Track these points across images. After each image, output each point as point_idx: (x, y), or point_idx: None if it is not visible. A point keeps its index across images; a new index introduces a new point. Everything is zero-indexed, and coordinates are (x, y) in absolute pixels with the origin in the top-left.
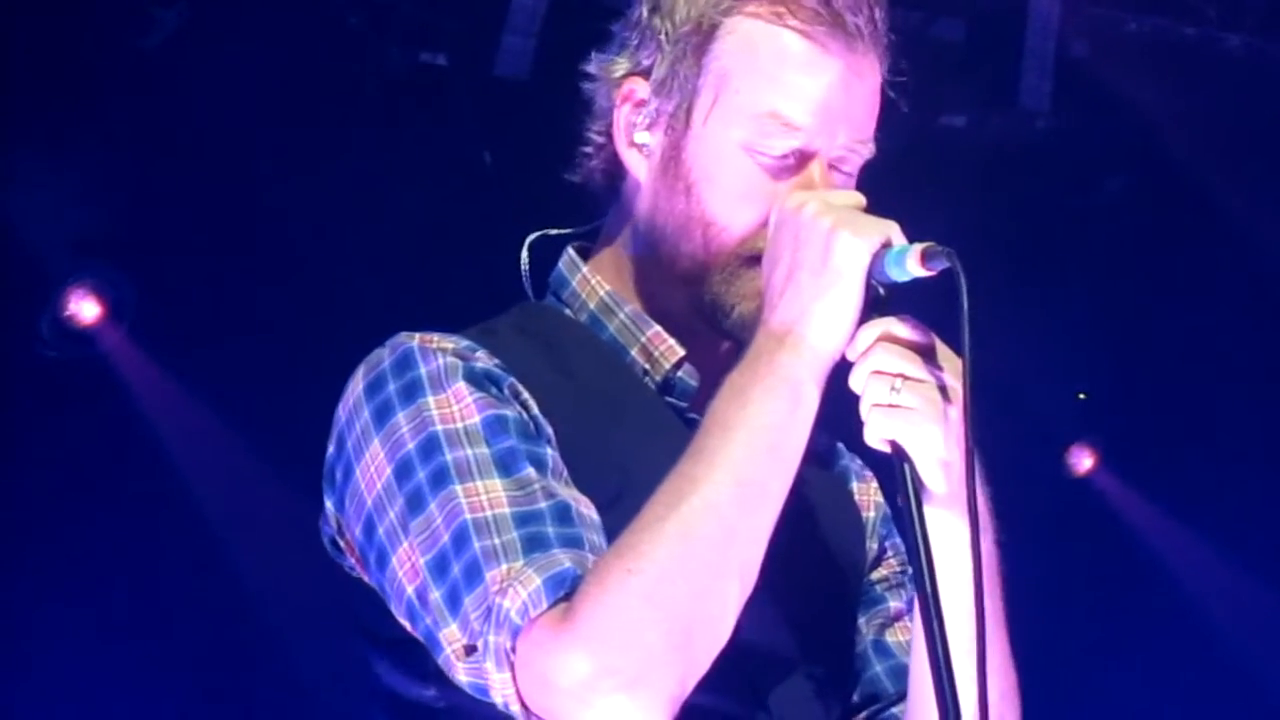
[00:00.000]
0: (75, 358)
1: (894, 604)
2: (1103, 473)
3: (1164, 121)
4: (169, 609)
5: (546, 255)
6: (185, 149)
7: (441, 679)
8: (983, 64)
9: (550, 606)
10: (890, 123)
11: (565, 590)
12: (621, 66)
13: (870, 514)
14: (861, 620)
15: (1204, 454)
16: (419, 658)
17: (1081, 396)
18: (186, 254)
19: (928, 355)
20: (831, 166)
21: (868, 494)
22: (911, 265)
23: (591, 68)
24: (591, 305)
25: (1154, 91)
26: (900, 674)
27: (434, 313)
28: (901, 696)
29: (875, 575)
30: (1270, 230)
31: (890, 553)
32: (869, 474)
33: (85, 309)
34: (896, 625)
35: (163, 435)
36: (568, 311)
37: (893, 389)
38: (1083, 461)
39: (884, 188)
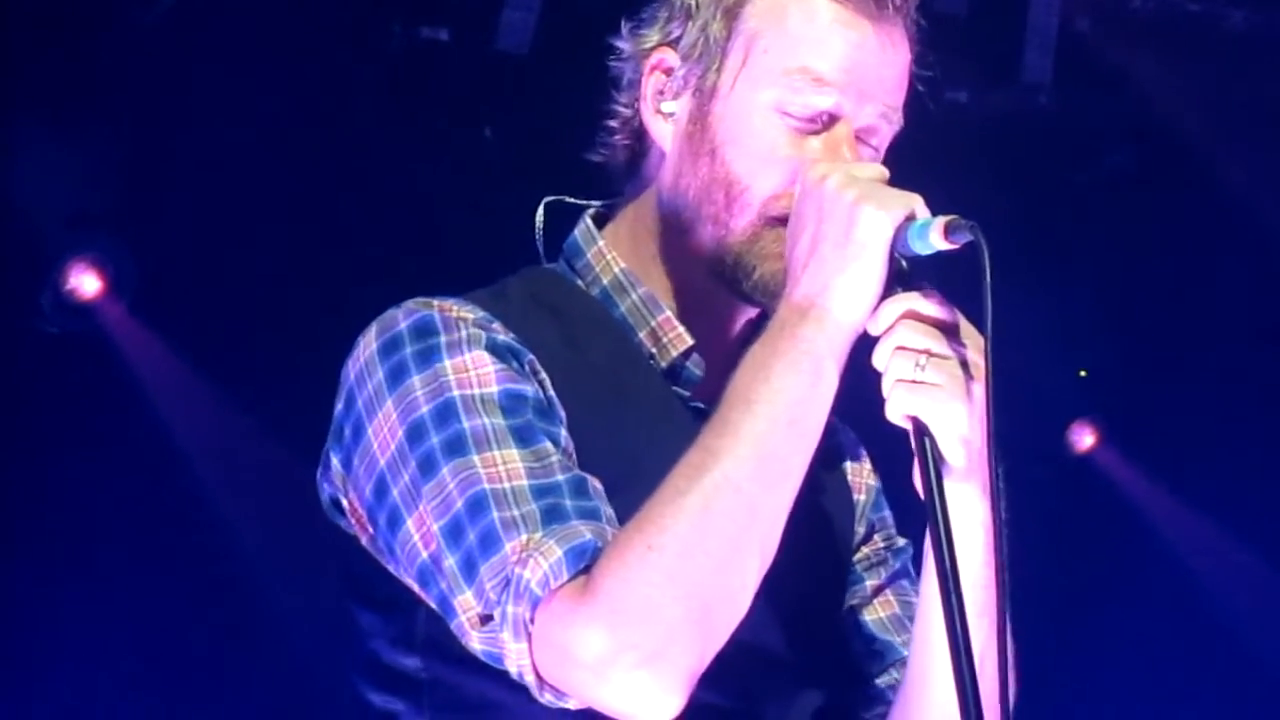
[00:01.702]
0: (76, 332)
1: (871, 581)
2: (1104, 450)
3: (1166, 97)
4: (169, 582)
5: (558, 220)
6: (185, 123)
7: (428, 649)
8: (985, 39)
9: (570, 578)
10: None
11: (586, 562)
12: (651, 39)
13: (861, 497)
14: (844, 600)
15: (1205, 431)
16: (408, 625)
17: (1083, 374)
18: (187, 228)
19: (951, 331)
20: (859, 139)
21: (860, 475)
22: (935, 238)
23: (622, 43)
24: (605, 280)
25: (1156, 67)
26: (881, 650)
27: (434, 288)
28: (882, 671)
29: (858, 555)
30: (1272, 205)
31: (876, 529)
32: (863, 453)
33: (86, 283)
34: (875, 601)
35: (164, 409)
36: (580, 282)
37: (917, 365)
38: (1084, 439)
39: (885, 162)
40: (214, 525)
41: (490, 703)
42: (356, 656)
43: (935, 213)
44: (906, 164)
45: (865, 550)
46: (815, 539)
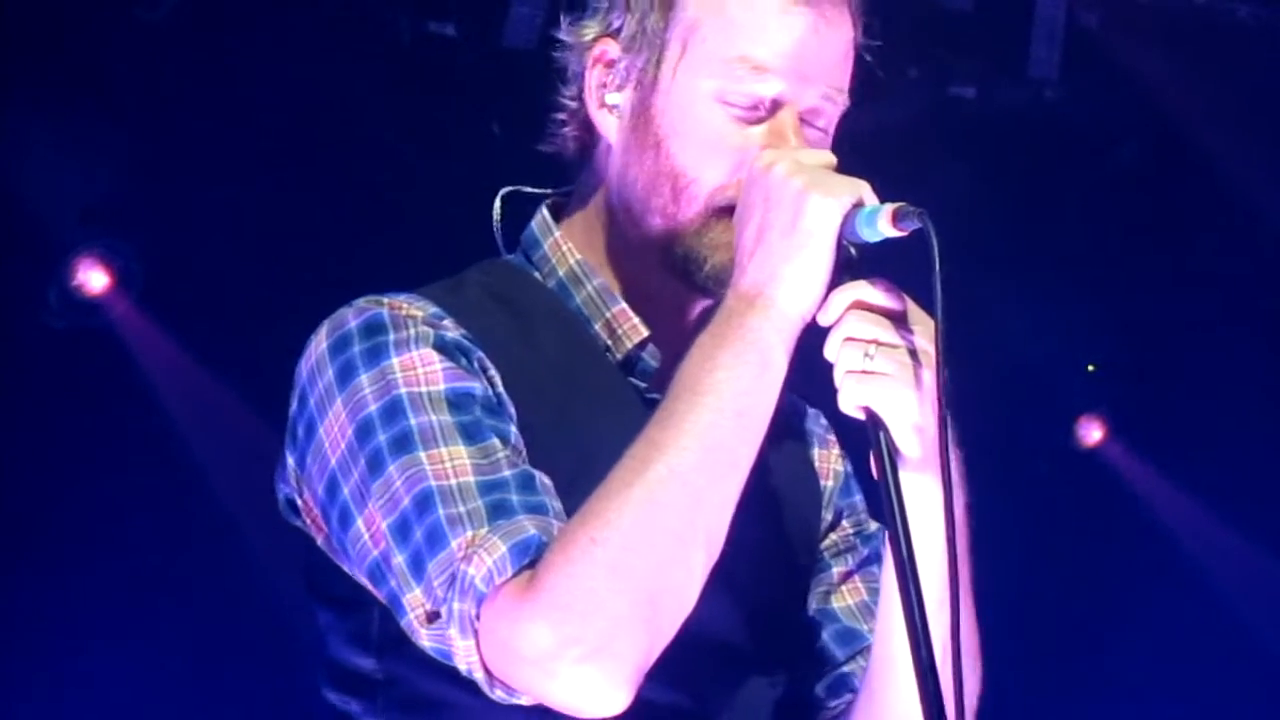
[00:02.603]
0: (83, 327)
1: (839, 568)
2: (1112, 444)
3: (1174, 92)
4: (176, 576)
5: (519, 211)
6: (191, 118)
7: (382, 650)
8: (992, 34)
9: (515, 574)
10: (900, 93)
11: (530, 558)
12: (592, 30)
13: (829, 483)
14: (809, 589)
15: (1213, 426)
16: (363, 624)
17: (1091, 368)
18: (194, 223)
19: (900, 319)
20: (805, 121)
21: (828, 461)
22: (883, 225)
23: (563, 34)
24: (561, 272)
25: (1163, 61)
26: (847, 637)
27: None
28: (850, 658)
29: (825, 542)
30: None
31: (845, 515)
32: (832, 439)
33: (93, 279)
34: (843, 588)
35: (171, 404)
36: (537, 274)
37: (866, 355)
38: (1092, 433)
39: (893, 158)
40: (221, 519)
41: (445, 702)
42: (318, 656)
43: (932, 209)
44: (913, 158)
45: (834, 537)
46: (780, 526)
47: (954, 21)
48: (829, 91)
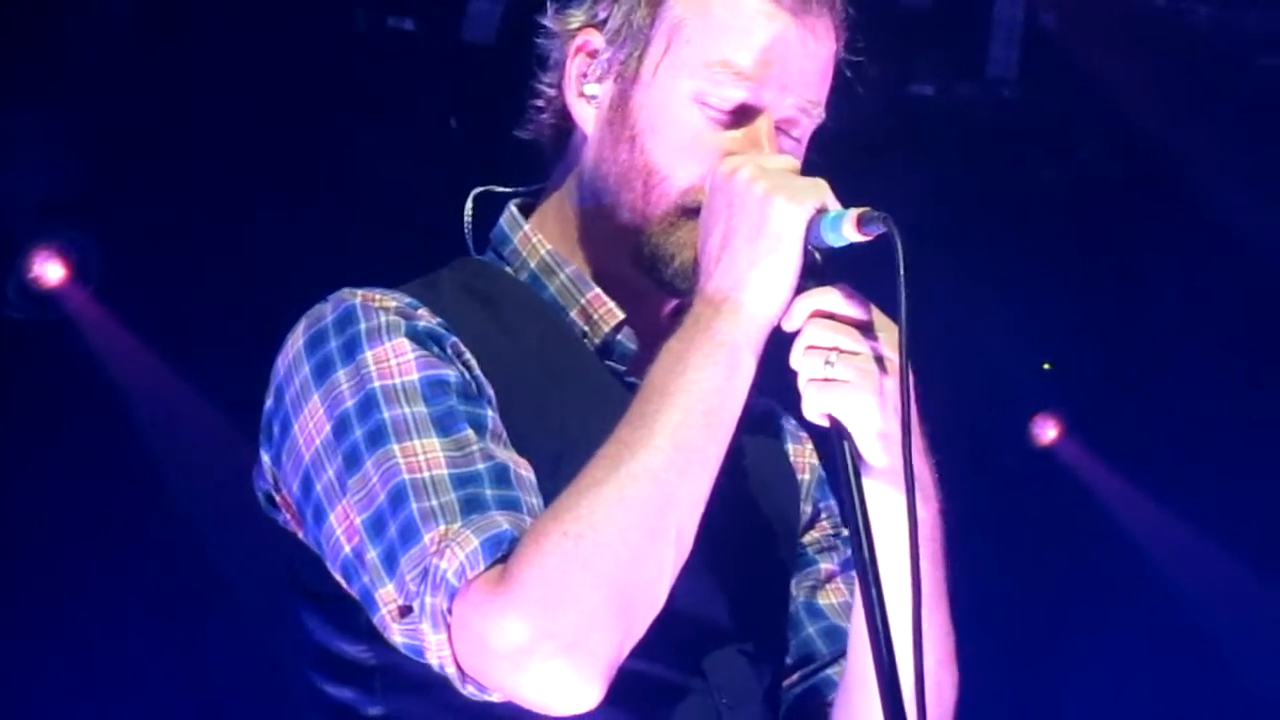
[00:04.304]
0: (40, 319)
1: (825, 565)
2: (1067, 443)
3: (1132, 92)
4: (133, 570)
5: (489, 211)
6: (150, 111)
7: (373, 636)
8: (951, 33)
9: (487, 568)
10: (858, 91)
11: (502, 552)
12: (577, 19)
13: (805, 477)
14: (793, 583)
15: (1170, 425)
16: (351, 614)
17: (1047, 367)
18: (152, 215)
19: (863, 326)
20: (780, 130)
21: (803, 456)
22: (848, 230)
23: (548, 21)
24: (532, 264)
25: (1122, 61)
26: (833, 635)
27: (399, 277)
28: (835, 657)
29: (808, 538)
30: (1239, 199)
31: (824, 515)
32: (804, 436)
33: (50, 271)
34: (828, 587)
35: (128, 396)
36: (508, 269)
37: (826, 363)
38: (1047, 432)
39: (852, 156)
40: (179, 512)
41: (438, 683)
42: (305, 649)
43: (891, 208)
44: (871, 156)
45: (814, 534)
46: (760, 518)
47: (912, 20)
48: (805, 104)
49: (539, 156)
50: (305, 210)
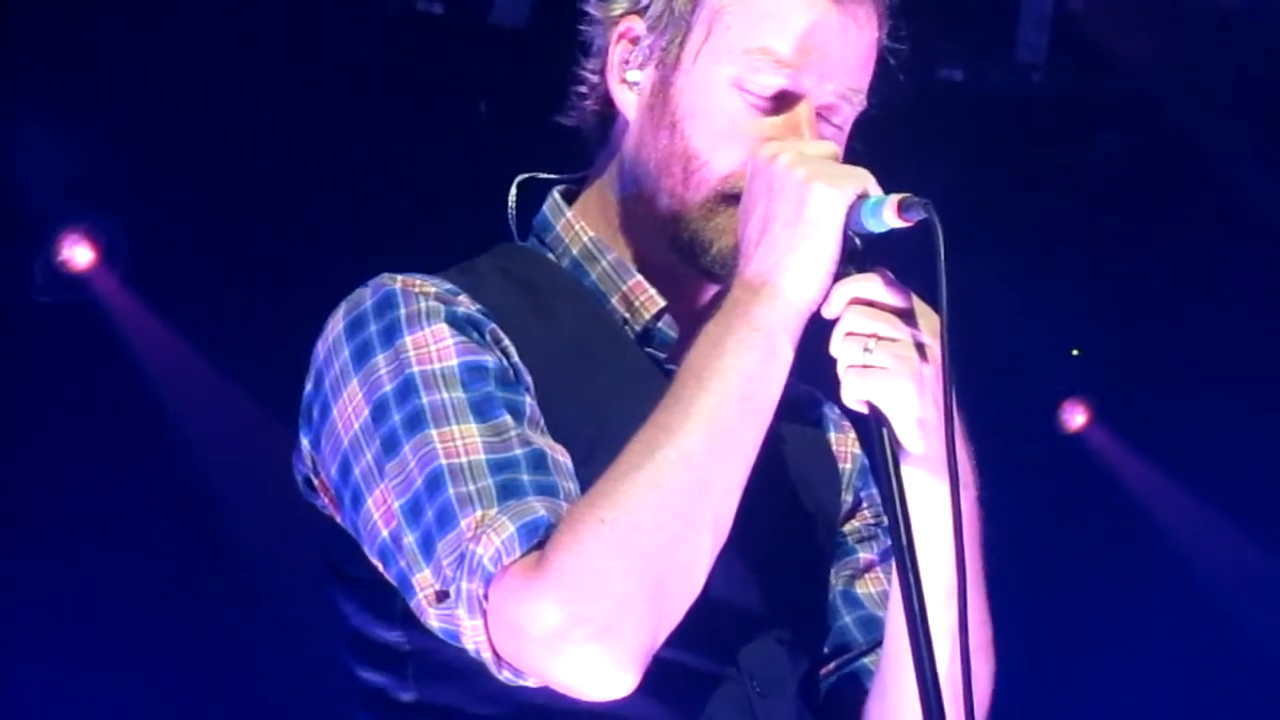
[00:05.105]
0: (69, 303)
1: (864, 555)
2: (1096, 429)
3: (1160, 76)
4: (164, 556)
5: (533, 197)
6: (179, 94)
7: (408, 621)
8: (980, 18)
9: (524, 554)
10: (886, 75)
11: (539, 538)
12: (620, 6)
13: (846, 465)
14: (832, 572)
15: (1197, 411)
16: (387, 599)
17: (1075, 353)
18: (180, 199)
19: (903, 312)
20: (821, 117)
21: (845, 444)
22: (888, 216)
23: (590, 8)
24: (574, 251)
25: (1150, 46)
26: (869, 624)
27: (427, 262)
28: (871, 646)
29: (848, 527)
30: (1267, 185)
31: (865, 504)
32: (847, 424)
33: (79, 254)
34: (867, 576)
35: (157, 380)
36: (550, 256)
37: (865, 349)
38: (1075, 418)
39: (880, 140)
40: (208, 498)
41: (472, 669)
42: (342, 634)
43: (910, 192)
44: (902, 142)
45: (855, 523)
46: (800, 505)
47: (941, 4)
48: (846, 91)
49: (569, 141)
50: (334, 195)
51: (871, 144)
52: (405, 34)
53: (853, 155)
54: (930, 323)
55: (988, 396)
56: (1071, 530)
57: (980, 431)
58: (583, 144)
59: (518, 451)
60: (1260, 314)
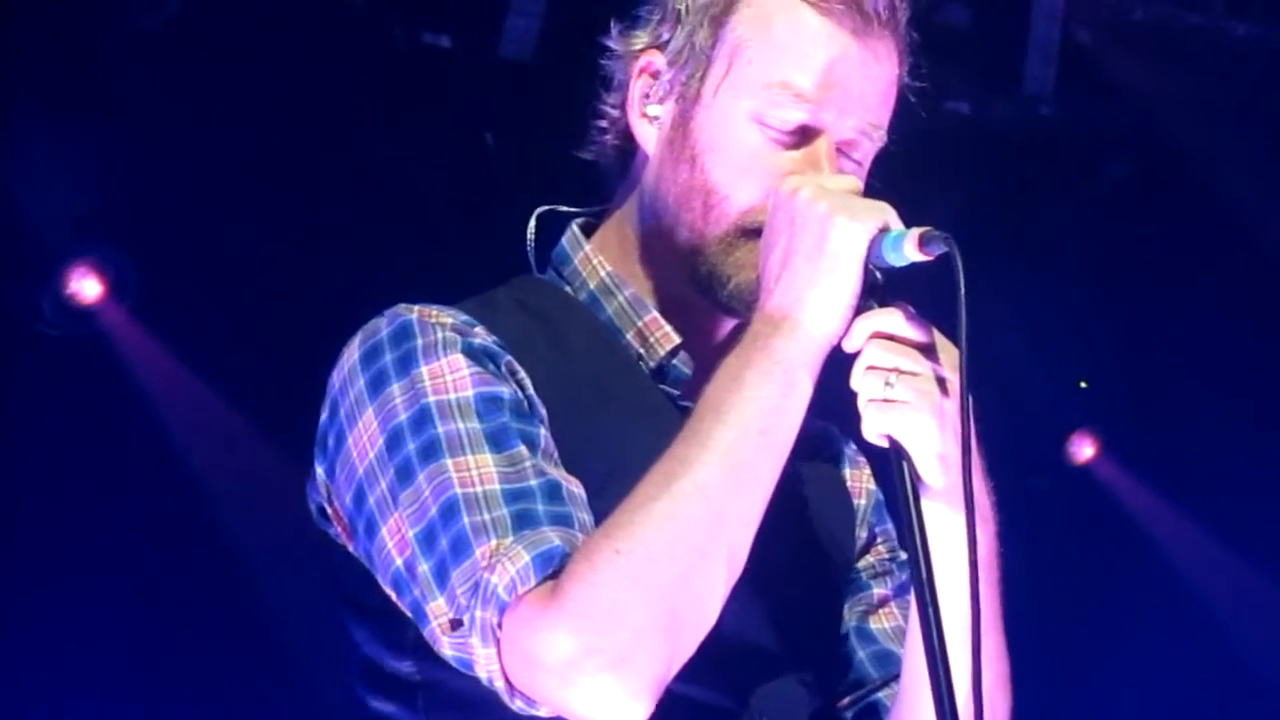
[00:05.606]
0: (77, 336)
1: (879, 590)
2: (1104, 461)
3: (1168, 109)
4: (170, 585)
5: (552, 230)
6: (187, 127)
7: (419, 652)
8: (987, 50)
9: (538, 584)
10: (906, 111)
11: (553, 568)
12: (641, 40)
13: (862, 501)
14: (845, 607)
15: (1205, 443)
16: (398, 629)
17: (1083, 385)
18: (188, 232)
19: (923, 346)
20: (841, 152)
21: (860, 480)
22: (909, 250)
23: (612, 42)
24: (592, 285)
25: (1158, 79)
26: (883, 659)
27: (434, 294)
28: (886, 681)
29: (862, 563)
30: (1272, 219)
31: (880, 539)
32: (862, 460)
33: (87, 287)
34: (881, 611)
35: (164, 413)
36: (568, 289)
37: (886, 384)
38: (1084, 450)
39: (886, 173)
40: (216, 528)
41: (482, 700)
42: (353, 663)
43: (917, 224)
44: (908, 174)
45: (869, 559)
46: (815, 541)
47: (949, 37)
48: (866, 126)
49: (576, 173)
50: (341, 227)
51: (878, 176)
52: (412, 66)
53: (871, 192)
54: (951, 357)
55: (995, 428)
56: (1080, 562)
57: (988, 464)
58: (592, 176)
59: (533, 482)
60: (1268, 345)
